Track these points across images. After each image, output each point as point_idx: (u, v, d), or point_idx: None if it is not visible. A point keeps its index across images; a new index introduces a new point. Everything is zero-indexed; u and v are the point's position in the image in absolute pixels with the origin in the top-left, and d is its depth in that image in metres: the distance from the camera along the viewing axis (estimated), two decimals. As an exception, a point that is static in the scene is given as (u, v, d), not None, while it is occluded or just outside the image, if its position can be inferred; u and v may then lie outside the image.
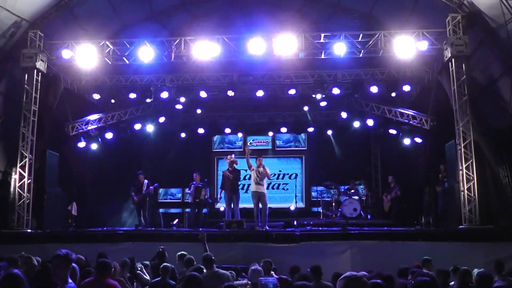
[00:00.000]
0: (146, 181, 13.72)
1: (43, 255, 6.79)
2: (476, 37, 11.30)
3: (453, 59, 10.96)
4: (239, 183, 12.81)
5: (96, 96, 14.89)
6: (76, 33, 12.50)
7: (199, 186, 13.53)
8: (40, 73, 11.94)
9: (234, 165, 12.37)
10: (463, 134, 10.76)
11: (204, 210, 14.58)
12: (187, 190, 13.75)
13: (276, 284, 5.43)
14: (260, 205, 11.46)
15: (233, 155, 12.74)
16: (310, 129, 17.20)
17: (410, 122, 14.32)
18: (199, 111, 16.04)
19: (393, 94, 14.35)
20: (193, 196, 13.44)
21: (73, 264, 4.86)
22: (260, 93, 14.70)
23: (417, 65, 13.45)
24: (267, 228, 11.19)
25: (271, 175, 12.07)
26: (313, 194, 17.43)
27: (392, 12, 13.01)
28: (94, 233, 11.51)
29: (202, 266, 6.44)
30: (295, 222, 12.63)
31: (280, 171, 17.83)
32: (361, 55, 12.22)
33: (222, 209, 14.13)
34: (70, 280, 4.08)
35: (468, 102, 10.85)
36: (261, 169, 11.47)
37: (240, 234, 10.47)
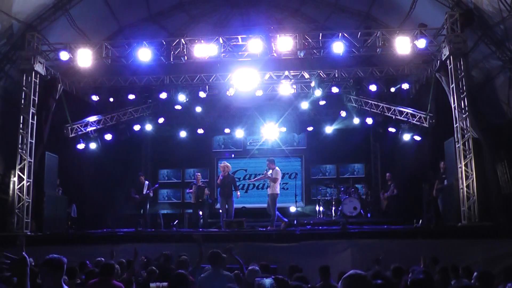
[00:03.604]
0: (146, 182, 13.72)
1: (43, 258, 6.78)
2: (474, 34, 11.31)
3: (451, 57, 10.97)
4: (239, 183, 12.84)
5: (95, 98, 14.85)
6: (74, 34, 12.52)
7: (201, 186, 13.53)
8: (38, 75, 11.95)
9: (227, 170, 12.40)
10: (462, 132, 10.77)
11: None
12: (187, 190, 13.76)
13: (273, 284, 5.38)
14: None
15: (224, 162, 12.73)
16: (310, 128, 17.19)
17: (409, 120, 14.31)
18: (198, 109, 15.99)
19: (392, 89, 14.34)
20: (195, 196, 13.43)
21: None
22: (259, 92, 14.69)
23: (416, 63, 13.45)
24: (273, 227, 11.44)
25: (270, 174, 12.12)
26: (313, 193, 17.43)
27: (390, 10, 13.01)
28: (94, 235, 11.50)
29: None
30: (295, 222, 12.62)
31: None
32: (359, 53, 12.22)
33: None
34: (65, 287, 3.93)
35: (466, 99, 10.86)
36: (270, 172, 11.76)
37: (240, 234, 10.47)
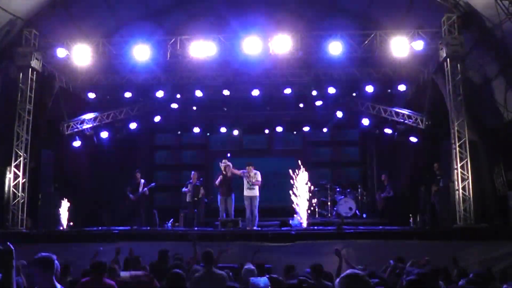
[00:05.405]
0: (142, 180, 13.67)
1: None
2: (472, 37, 11.34)
3: (448, 59, 11.00)
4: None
5: (92, 95, 14.84)
6: (72, 31, 12.45)
7: (197, 185, 13.49)
8: (35, 72, 11.89)
9: (229, 170, 12.40)
10: (458, 134, 10.81)
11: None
12: (183, 189, 13.75)
13: (267, 284, 5.36)
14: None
15: (226, 161, 12.68)
16: (306, 128, 17.21)
17: (406, 121, 14.37)
18: (195, 108, 15.97)
19: (389, 91, 14.39)
20: (191, 194, 13.41)
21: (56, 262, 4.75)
22: (256, 92, 14.69)
23: (413, 65, 13.47)
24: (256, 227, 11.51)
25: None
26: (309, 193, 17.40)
27: (388, 11, 13.02)
28: (90, 233, 11.46)
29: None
30: (290, 221, 12.63)
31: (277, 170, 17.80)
32: (357, 54, 12.23)
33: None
34: (58, 285, 3.88)
35: (463, 101, 10.89)
36: (252, 173, 11.88)
37: (236, 234, 10.47)
